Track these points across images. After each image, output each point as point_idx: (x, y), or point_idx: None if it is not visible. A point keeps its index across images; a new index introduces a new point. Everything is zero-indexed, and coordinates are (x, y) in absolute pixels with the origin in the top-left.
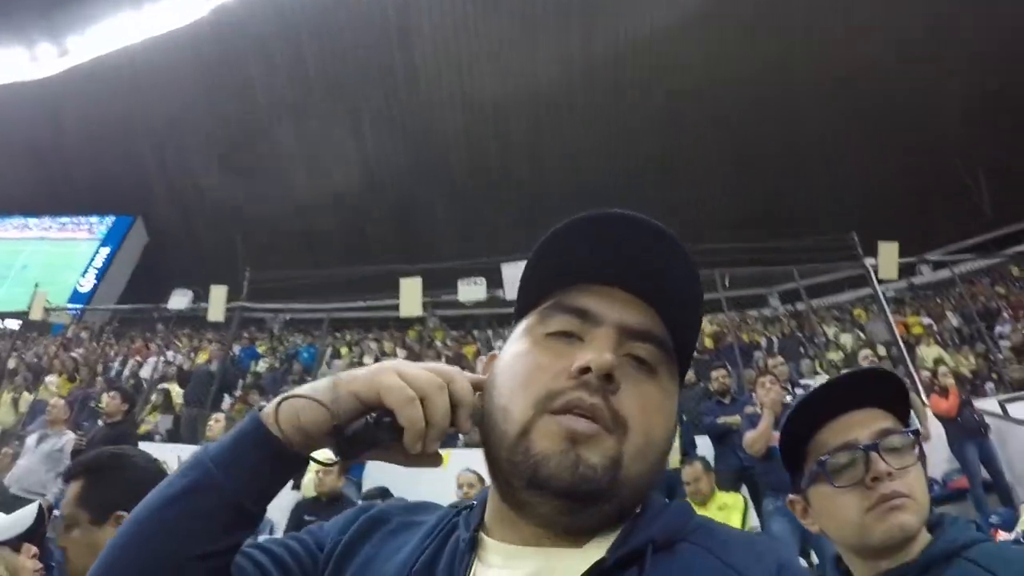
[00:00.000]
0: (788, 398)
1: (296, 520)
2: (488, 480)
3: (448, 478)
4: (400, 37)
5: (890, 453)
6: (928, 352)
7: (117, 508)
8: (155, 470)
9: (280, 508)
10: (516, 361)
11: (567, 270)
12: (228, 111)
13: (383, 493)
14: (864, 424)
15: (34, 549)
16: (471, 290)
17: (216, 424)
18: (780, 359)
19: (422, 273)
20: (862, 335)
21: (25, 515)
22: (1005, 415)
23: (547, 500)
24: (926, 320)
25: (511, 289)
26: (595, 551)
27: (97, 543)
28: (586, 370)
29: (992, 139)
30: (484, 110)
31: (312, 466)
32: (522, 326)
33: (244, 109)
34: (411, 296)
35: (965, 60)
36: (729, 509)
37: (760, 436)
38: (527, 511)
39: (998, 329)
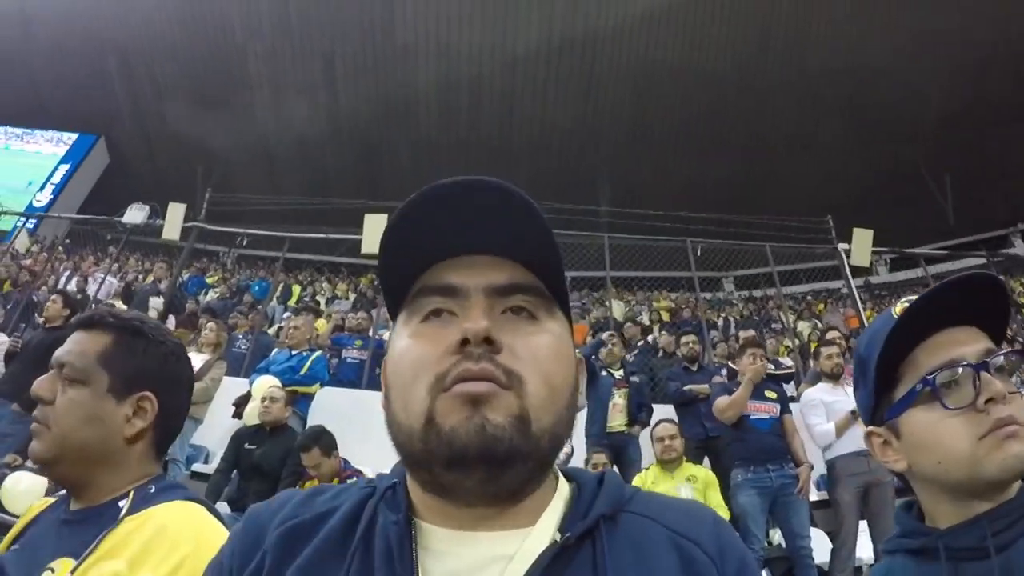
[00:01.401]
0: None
1: (235, 449)
2: None
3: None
4: None
5: (999, 375)
6: None
7: (144, 386)
8: (185, 356)
9: (218, 437)
10: (401, 358)
11: (421, 253)
12: (202, 41)
13: (320, 435)
14: (967, 343)
15: None
16: None
17: None
18: (753, 332)
19: (386, 210)
20: (819, 324)
21: None
22: None
23: (468, 474)
24: None
25: None
26: (544, 532)
27: (103, 416)
28: (465, 342)
29: (962, 149)
30: (459, 65)
31: (257, 394)
32: (399, 323)
33: (219, 40)
34: (376, 232)
35: (945, 68)
36: (702, 483)
37: (735, 403)
38: (454, 494)
39: None
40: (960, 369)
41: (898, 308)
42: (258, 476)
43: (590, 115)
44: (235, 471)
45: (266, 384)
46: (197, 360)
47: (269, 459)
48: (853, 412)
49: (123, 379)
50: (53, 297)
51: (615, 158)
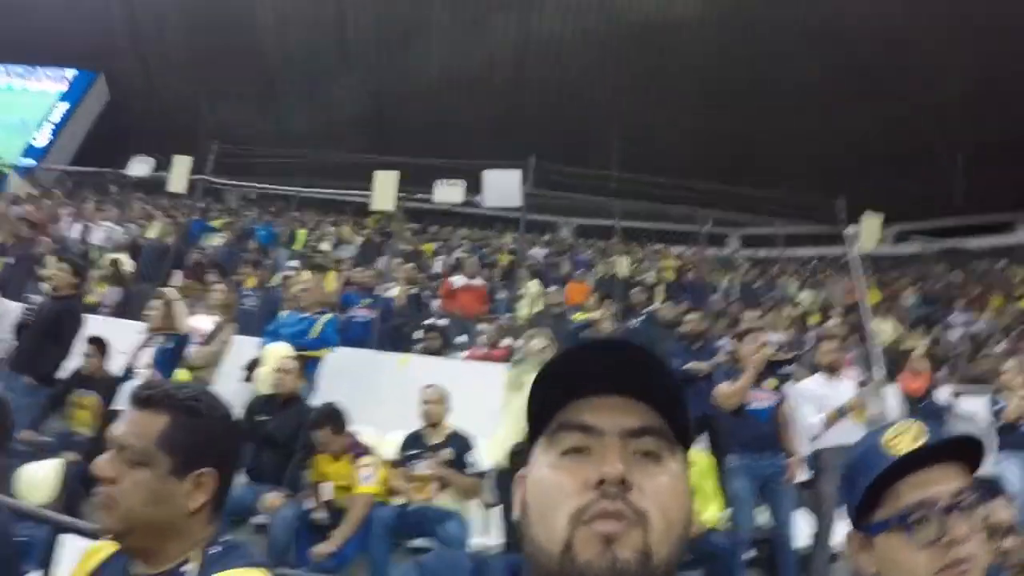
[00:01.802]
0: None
1: (248, 419)
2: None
3: (407, 383)
4: None
5: (965, 513)
6: (883, 326)
7: (203, 463)
8: (236, 426)
9: (232, 404)
10: (542, 485)
11: (568, 388)
12: None
13: (331, 414)
14: (943, 482)
15: None
16: (449, 191)
17: (155, 313)
18: (756, 312)
19: (396, 166)
20: (821, 294)
21: None
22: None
23: None
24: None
25: (490, 195)
26: None
27: (165, 495)
28: (602, 481)
29: (977, 128)
30: (473, 8)
31: (269, 362)
32: (538, 450)
33: None
34: (385, 189)
35: (971, 44)
36: (700, 469)
37: (737, 392)
38: None
39: (952, 317)
40: (931, 511)
41: (889, 440)
42: (272, 447)
43: (603, 68)
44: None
45: (279, 353)
46: (207, 322)
47: (283, 430)
48: (840, 409)
49: (184, 459)
50: (60, 265)
51: (627, 119)
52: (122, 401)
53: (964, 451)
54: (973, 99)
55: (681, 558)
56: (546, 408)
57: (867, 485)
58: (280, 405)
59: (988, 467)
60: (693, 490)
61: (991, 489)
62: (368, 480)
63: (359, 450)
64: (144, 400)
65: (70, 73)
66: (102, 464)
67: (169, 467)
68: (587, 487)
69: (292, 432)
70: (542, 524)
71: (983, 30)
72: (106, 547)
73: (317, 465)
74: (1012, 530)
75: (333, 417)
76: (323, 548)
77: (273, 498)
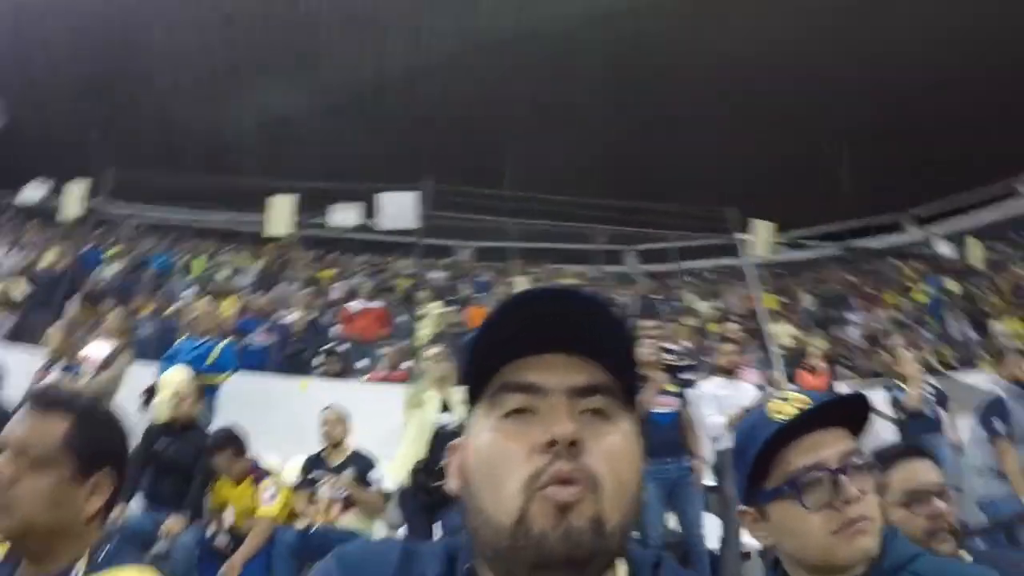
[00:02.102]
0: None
1: (146, 446)
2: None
3: (306, 408)
4: None
5: (856, 474)
6: (781, 330)
7: (102, 467)
8: (124, 429)
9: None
10: (486, 451)
11: (505, 347)
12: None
13: (231, 437)
14: (830, 445)
15: None
16: (343, 215)
17: (53, 338)
18: (654, 322)
19: (291, 190)
20: (719, 304)
21: None
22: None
23: (551, 574)
24: (781, 298)
25: (386, 218)
26: None
27: (67, 500)
28: (553, 443)
29: (863, 131)
30: (361, 37)
31: (166, 387)
32: (478, 414)
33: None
34: (281, 214)
35: (855, 49)
36: None
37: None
38: None
39: (848, 316)
40: (822, 473)
41: (773, 409)
42: (171, 473)
43: (497, 91)
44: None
45: (176, 378)
46: (103, 349)
47: (182, 456)
48: (746, 411)
49: (86, 462)
50: None
51: (521, 136)
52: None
53: (848, 416)
54: (854, 103)
55: (634, 523)
56: (485, 369)
57: (755, 453)
58: (178, 431)
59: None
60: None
61: (916, 451)
62: (270, 501)
63: (260, 474)
64: (47, 403)
65: None
66: (7, 470)
67: (71, 470)
68: (536, 450)
69: (191, 458)
70: (490, 494)
71: (863, 37)
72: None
73: (218, 490)
74: (942, 493)
75: (232, 440)
76: (226, 572)
77: (173, 523)
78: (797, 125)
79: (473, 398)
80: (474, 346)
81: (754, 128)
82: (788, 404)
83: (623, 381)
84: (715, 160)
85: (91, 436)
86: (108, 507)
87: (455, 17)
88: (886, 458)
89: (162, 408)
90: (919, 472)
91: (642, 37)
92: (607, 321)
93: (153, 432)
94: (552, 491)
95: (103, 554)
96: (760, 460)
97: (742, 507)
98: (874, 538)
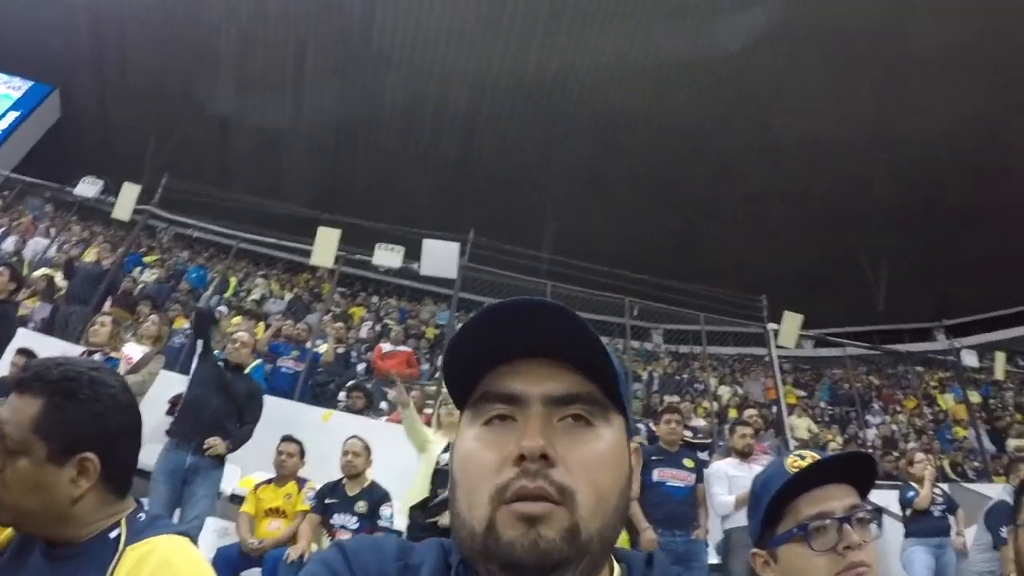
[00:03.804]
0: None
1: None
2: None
3: (325, 438)
4: None
5: (859, 526)
6: (799, 422)
7: (84, 448)
8: (129, 402)
9: (148, 430)
10: (466, 459)
11: (484, 355)
12: (177, 11)
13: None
14: (838, 498)
15: None
16: (387, 255)
17: (102, 328)
18: (677, 399)
19: (340, 225)
20: (739, 390)
21: None
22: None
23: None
24: (800, 392)
25: (428, 264)
26: None
27: (46, 483)
28: (523, 457)
29: (900, 242)
30: (428, 81)
31: None
32: (464, 421)
33: (193, 15)
34: (326, 246)
35: (894, 162)
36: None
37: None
38: None
39: (868, 418)
40: (828, 521)
41: (791, 463)
42: None
43: (549, 154)
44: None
45: None
46: (137, 351)
47: None
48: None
49: (62, 444)
50: (0, 269)
51: (566, 201)
52: None
53: (856, 477)
54: (895, 214)
55: (618, 529)
56: (469, 375)
57: (770, 499)
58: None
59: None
60: (634, 448)
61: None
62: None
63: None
64: (19, 384)
65: (26, 84)
66: None
67: (46, 454)
68: (508, 463)
69: None
70: (465, 501)
71: (904, 153)
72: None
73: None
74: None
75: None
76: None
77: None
78: (839, 227)
79: (461, 405)
80: (454, 354)
81: (796, 224)
82: (804, 460)
83: (604, 386)
84: (751, 250)
85: (64, 419)
86: (112, 487)
87: (519, 73)
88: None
89: None
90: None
91: (694, 121)
92: (580, 328)
93: None
94: (518, 506)
95: (137, 524)
96: (775, 507)
97: (755, 550)
98: None
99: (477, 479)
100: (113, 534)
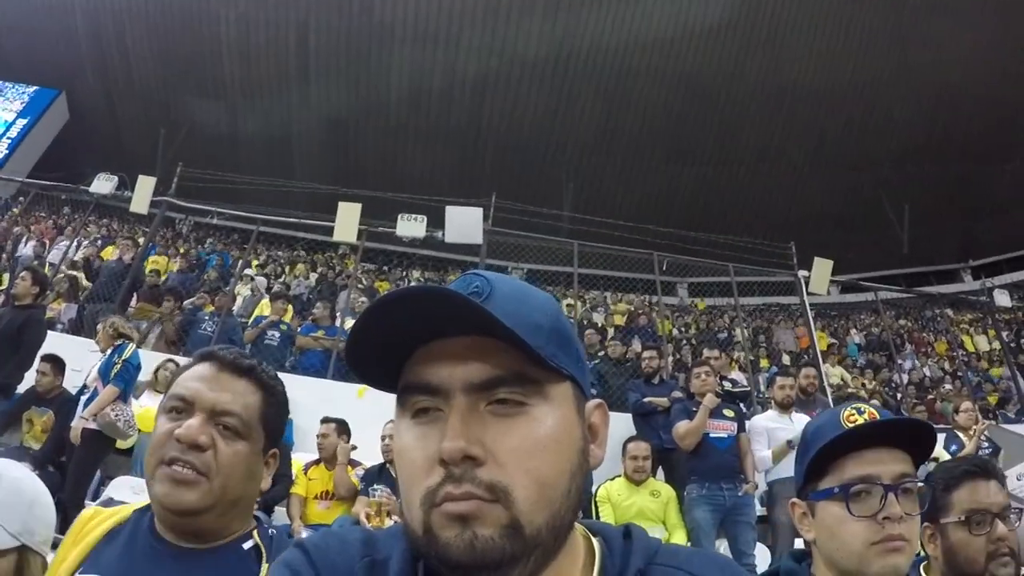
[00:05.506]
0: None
1: None
2: None
3: (362, 415)
4: None
5: (904, 497)
6: (831, 371)
7: (274, 444)
8: None
9: None
10: (399, 457)
11: (396, 341)
12: (174, 2)
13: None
14: (888, 463)
15: None
16: (411, 226)
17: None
18: (716, 352)
19: (359, 199)
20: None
21: None
22: None
23: (470, 574)
24: (831, 340)
25: (452, 231)
26: None
27: (255, 473)
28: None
29: (923, 183)
30: (434, 51)
31: None
32: (396, 413)
33: (191, 2)
34: (348, 220)
35: (915, 101)
36: (664, 498)
37: (693, 431)
38: None
39: (900, 362)
40: (873, 486)
41: (847, 416)
42: None
43: (561, 115)
44: None
45: None
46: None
47: None
48: (789, 442)
49: (271, 439)
50: (23, 274)
51: (582, 161)
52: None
53: (913, 443)
54: (917, 155)
55: (572, 513)
56: (390, 360)
57: (817, 450)
58: None
59: None
60: (597, 404)
61: (982, 471)
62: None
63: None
64: (243, 369)
65: (30, 90)
66: (198, 428)
67: (262, 444)
68: (435, 463)
69: None
70: (405, 501)
71: (924, 91)
72: (121, 511)
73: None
74: (1005, 515)
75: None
76: None
77: None
78: (859, 169)
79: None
80: (348, 353)
81: (819, 169)
82: (861, 416)
83: (533, 355)
84: (770, 200)
85: (276, 412)
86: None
87: (526, 36)
88: (951, 477)
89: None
90: (982, 492)
91: (707, 67)
92: (467, 309)
93: None
94: (447, 506)
95: (272, 534)
96: (821, 459)
97: (794, 500)
98: (908, 559)
99: (409, 481)
100: (247, 545)
